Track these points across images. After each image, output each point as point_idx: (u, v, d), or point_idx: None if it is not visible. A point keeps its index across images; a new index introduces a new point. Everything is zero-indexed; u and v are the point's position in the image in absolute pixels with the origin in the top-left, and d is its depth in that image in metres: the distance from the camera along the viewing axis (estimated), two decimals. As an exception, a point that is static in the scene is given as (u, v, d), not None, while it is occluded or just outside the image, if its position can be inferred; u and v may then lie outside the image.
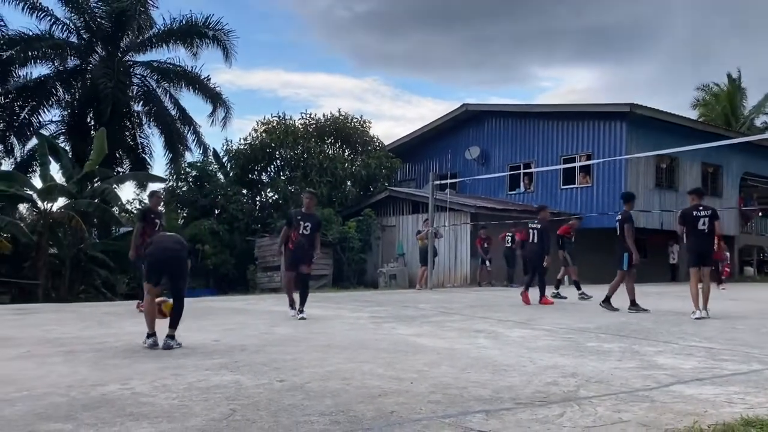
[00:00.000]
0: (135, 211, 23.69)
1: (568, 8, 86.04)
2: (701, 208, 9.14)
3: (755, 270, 27.69)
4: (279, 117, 24.75)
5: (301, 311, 8.42)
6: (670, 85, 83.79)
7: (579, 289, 12.52)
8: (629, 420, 3.54)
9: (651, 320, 8.62)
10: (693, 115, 33.69)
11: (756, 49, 75.38)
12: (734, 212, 23.14)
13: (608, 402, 3.96)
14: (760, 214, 26.32)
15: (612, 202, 19.63)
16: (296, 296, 8.66)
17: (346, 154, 25.35)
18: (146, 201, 25.60)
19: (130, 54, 24.88)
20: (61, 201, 19.68)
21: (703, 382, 4.61)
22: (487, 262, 18.07)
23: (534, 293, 11.10)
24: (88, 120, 24.12)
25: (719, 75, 38.34)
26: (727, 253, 21.82)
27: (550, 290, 11.75)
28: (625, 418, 3.59)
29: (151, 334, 5.90)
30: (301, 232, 8.53)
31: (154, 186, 23.36)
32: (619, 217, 9.96)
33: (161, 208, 11.14)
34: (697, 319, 8.69)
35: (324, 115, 25.56)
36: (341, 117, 25.43)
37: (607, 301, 9.88)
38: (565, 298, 12.24)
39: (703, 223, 9.00)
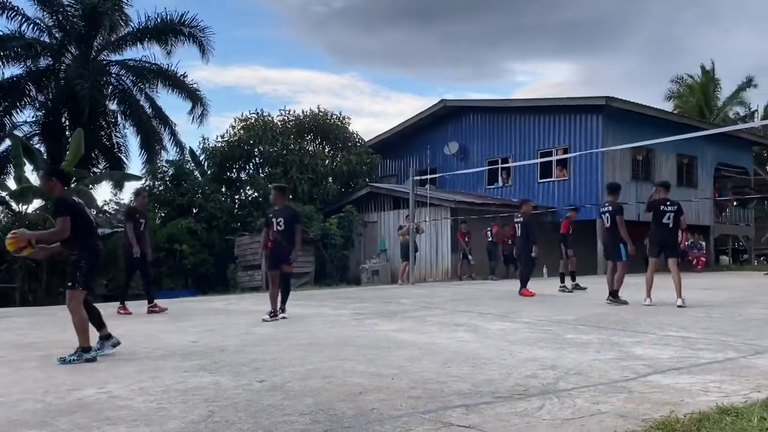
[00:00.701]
0: (112, 212, 23.39)
1: (543, 3, 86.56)
2: (668, 203, 9.39)
3: (730, 259, 28.15)
4: (257, 113, 24.61)
5: (282, 310, 8.31)
6: (644, 78, 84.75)
7: (562, 282, 12.56)
8: (607, 411, 3.58)
9: (629, 311, 8.71)
10: (668, 107, 34.12)
11: (728, 41, 76.51)
12: (709, 202, 23.47)
13: (587, 394, 3.99)
14: (734, 203, 26.73)
15: (589, 195, 19.84)
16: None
17: (326, 150, 25.27)
18: (123, 201, 25.32)
19: (105, 53, 24.55)
20: (36, 203, 19.40)
21: (680, 371, 4.66)
22: (469, 257, 18.18)
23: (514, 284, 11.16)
24: (63, 120, 23.77)
25: (693, 67, 38.92)
26: (703, 243, 22.18)
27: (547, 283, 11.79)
28: (603, 409, 3.62)
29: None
30: (275, 229, 8.31)
31: (130, 185, 23.17)
32: (610, 208, 9.83)
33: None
34: (646, 306, 9.12)
35: (303, 112, 25.47)
36: (320, 113, 25.33)
37: (615, 296, 9.68)
38: (585, 288, 12.26)
39: (668, 218, 9.28)
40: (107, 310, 10.39)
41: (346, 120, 25.69)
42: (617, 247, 9.77)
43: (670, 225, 9.27)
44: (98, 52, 24.13)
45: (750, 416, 3.30)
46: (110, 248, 19.25)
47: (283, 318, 8.19)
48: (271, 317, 8.10)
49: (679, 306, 8.91)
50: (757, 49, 74.23)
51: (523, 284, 11.38)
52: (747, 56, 71.71)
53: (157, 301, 9.65)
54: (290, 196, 10.85)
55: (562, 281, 12.57)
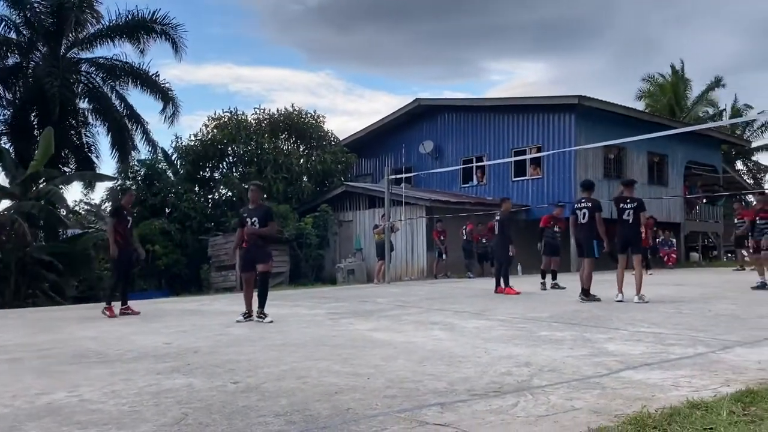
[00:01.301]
0: (82, 213, 23.01)
1: (517, 2, 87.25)
2: (629, 200, 9.61)
3: (700, 255, 28.67)
4: (231, 112, 24.39)
5: (263, 315, 7.92)
6: (616, 77, 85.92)
7: (543, 278, 12.57)
8: (581, 407, 3.61)
9: (602, 308, 8.82)
10: (639, 106, 34.58)
11: (698, 40, 77.93)
12: (680, 200, 23.89)
13: (561, 390, 4.03)
14: (704, 201, 27.24)
15: (562, 193, 20.03)
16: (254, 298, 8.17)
17: (301, 149, 25.15)
18: (94, 201, 24.84)
19: (75, 51, 24.12)
20: (5, 203, 19.01)
21: (652, 367, 4.73)
22: (443, 255, 18.25)
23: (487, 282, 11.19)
24: (32, 119, 23.29)
25: (664, 67, 39.54)
26: (674, 240, 22.56)
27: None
28: (577, 405, 3.66)
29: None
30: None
31: (102, 186, 22.85)
32: (589, 204, 9.87)
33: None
34: (617, 301, 9.31)
35: (278, 110, 25.29)
36: (295, 112, 25.19)
37: (586, 294, 9.77)
38: (564, 288, 12.06)
39: (628, 214, 9.51)
40: (79, 312, 10.27)
41: (321, 119, 25.63)
42: (591, 244, 9.87)
43: (630, 221, 9.46)
44: (68, 49, 23.69)
45: (719, 410, 3.36)
46: (81, 249, 18.98)
47: (270, 322, 7.75)
48: (245, 318, 7.98)
49: (636, 302, 9.10)
50: (726, 49, 75.75)
51: (506, 283, 11.37)
52: (716, 56, 73.14)
53: (130, 303, 9.50)
54: (264, 195, 10.64)
55: (543, 277, 12.58)
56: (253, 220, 8.00)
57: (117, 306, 9.24)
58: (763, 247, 11.30)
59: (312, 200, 22.75)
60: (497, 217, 11.81)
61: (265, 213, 8.18)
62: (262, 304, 8.00)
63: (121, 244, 9.24)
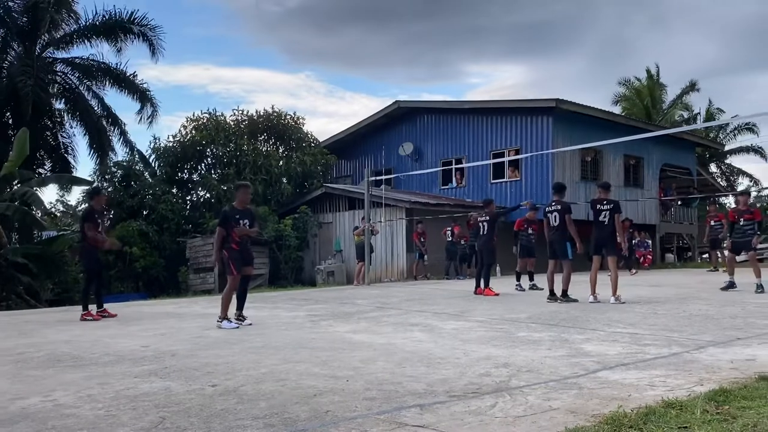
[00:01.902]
0: (58, 215, 22.69)
1: (496, 6, 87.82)
2: (605, 202, 9.72)
3: (675, 256, 29.09)
4: (209, 113, 24.21)
5: (243, 317, 7.86)
6: (594, 81, 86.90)
7: (518, 279, 12.70)
8: (558, 408, 3.65)
9: (579, 309, 8.91)
10: (616, 109, 35.00)
11: (673, 45, 79.10)
12: (655, 202, 24.22)
13: (539, 391, 4.06)
14: (679, 203, 27.64)
15: (540, 195, 20.17)
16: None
17: (281, 151, 25.05)
18: (70, 203, 24.42)
19: (50, 50, 23.77)
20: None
21: (628, 367, 4.79)
22: (424, 256, 18.28)
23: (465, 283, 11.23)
24: (6, 119, 22.90)
25: (640, 70, 40.02)
26: (649, 241, 22.86)
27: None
28: (554, 405, 3.69)
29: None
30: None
31: (79, 188, 22.55)
32: (559, 207, 9.93)
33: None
34: (591, 303, 9.43)
35: (257, 112, 25.20)
36: (274, 113, 25.10)
37: (564, 295, 9.83)
38: (542, 289, 11.92)
39: (604, 216, 9.61)
40: (54, 315, 10.11)
41: (301, 120, 25.58)
42: (564, 246, 9.97)
43: (606, 223, 9.57)
44: (43, 49, 23.35)
45: (693, 409, 3.42)
46: (57, 251, 18.70)
47: (249, 324, 7.68)
48: (242, 320, 7.83)
49: (612, 303, 9.22)
50: (700, 53, 77.04)
51: (486, 284, 11.41)
52: (691, 60, 74.34)
53: (106, 306, 9.39)
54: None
55: (518, 279, 12.72)
56: (244, 222, 7.82)
57: (93, 309, 9.13)
58: (754, 246, 11.47)
59: (291, 202, 22.67)
60: (485, 217, 11.75)
61: (253, 216, 8.13)
62: (242, 306, 7.96)
63: (87, 247, 9.18)
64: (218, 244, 7.76)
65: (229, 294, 7.76)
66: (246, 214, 7.93)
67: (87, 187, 22.55)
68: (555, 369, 4.74)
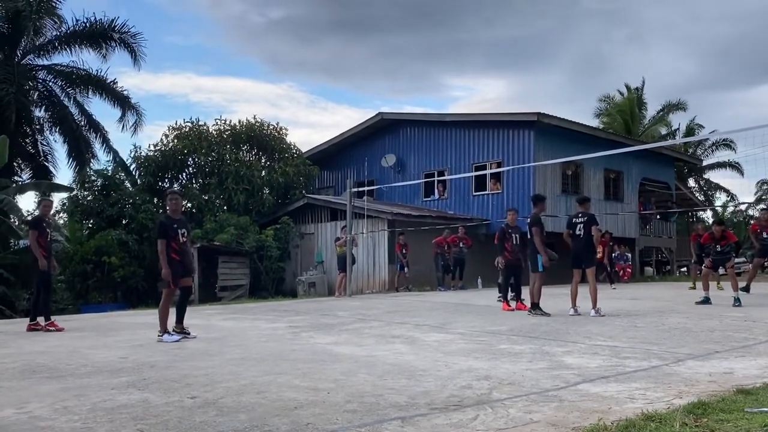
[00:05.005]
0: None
1: (478, 20, 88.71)
2: (580, 215, 9.82)
3: (654, 270, 29.38)
4: (192, 122, 24.06)
5: (184, 328, 7.69)
6: (575, 95, 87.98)
7: (500, 292, 12.65)
8: (539, 420, 3.66)
9: (560, 321, 8.95)
10: (596, 123, 35.39)
11: (652, 61, 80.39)
12: (635, 215, 24.48)
13: (520, 403, 4.07)
14: (657, 217, 27.95)
15: (521, 208, 20.18)
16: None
17: (263, 161, 24.97)
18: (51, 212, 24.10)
19: (31, 57, 23.54)
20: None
21: (608, 379, 4.82)
22: (406, 268, 18.26)
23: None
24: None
25: (620, 85, 40.67)
26: (629, 254, 23.08)
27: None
28: (535, 418, 3.70)
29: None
30: (181, 240, 7.58)
31: (59, 196, 22.27)
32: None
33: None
34: (571, 315, 9.50)
35: (239, 121, 25.06)
36: (257, 123, 25.01)
37: (535, 308, 9.80)
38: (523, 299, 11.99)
39: (580, 229, 9.70)
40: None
41: (283, 131, 25.50)
42: (535, 258, 10.03)
43: (581, 236, 9.65)
44: (24, 55, 23.12)
45: (672, 422, 3.44)
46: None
47: (194, 337, 7.53)
48: (187, 333, 7.64)
49: (592, 316, 9.28)
50: (677, 69, 78.33)
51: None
52: (667, 76, 75.56)
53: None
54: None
55: (500, 291, 12.66)
56: (182, 232, 7.64)
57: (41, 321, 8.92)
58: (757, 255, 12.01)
59: (273, 212, 22.57)
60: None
61: (187, 225, 7.96)
62: (182, 318, 7.76)
63: (35, 256, 8.93)
64: (164, 256, 7.50)
65: (166, 306, 7.62)
66: (184, 224, 7.79)
67: (65, 195, 22.32)
68: (536, 381, 4.75)
